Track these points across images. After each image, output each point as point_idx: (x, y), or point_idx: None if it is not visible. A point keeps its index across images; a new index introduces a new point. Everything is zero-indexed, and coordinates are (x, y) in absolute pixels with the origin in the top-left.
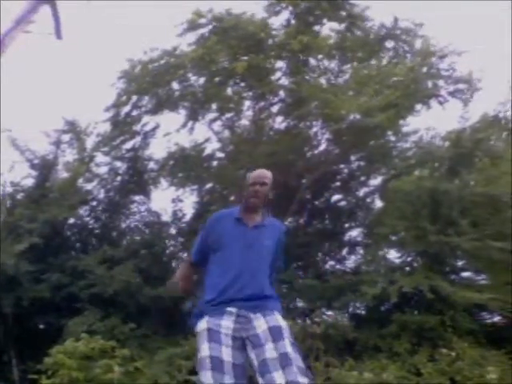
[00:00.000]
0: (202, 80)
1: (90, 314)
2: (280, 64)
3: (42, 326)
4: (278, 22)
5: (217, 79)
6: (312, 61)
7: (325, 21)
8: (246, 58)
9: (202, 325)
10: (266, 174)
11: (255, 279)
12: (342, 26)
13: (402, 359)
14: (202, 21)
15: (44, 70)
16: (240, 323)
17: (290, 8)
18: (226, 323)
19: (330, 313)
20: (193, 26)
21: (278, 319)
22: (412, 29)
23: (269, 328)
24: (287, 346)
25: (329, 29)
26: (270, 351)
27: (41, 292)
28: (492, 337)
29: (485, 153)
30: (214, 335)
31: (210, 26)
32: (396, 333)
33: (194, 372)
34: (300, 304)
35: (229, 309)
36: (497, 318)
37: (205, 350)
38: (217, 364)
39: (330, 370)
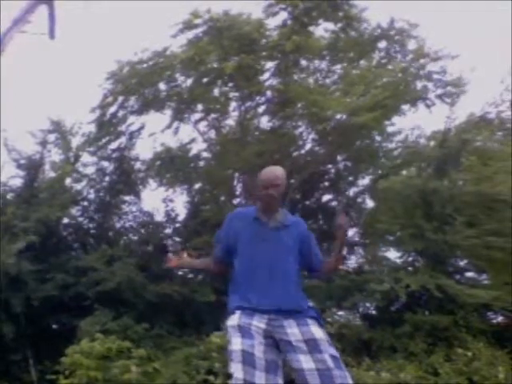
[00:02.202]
0: (190, 81)
1: (102, 314)
2: (270, 64)
3: (55, 326)
4: (275, 22)
5: (205, 80)
6: (303, 61)
7: (320, 21)
8: (236, 58)
9: (233, 321)
10: (277, 174)
11: (281, 287)
12: (337, 27)
13: (419, 359)
14: (198, 21)
15: (29, 69)
16: (272, 326)
17: (289, 9)
18: (257, 323)
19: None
20: (188, 26)
21: (313, 331)
22: (406, 29)
23: (304, 340)
24: (328, 361)
25: (323, 29)
26: (306, 362)
27: (49, 291)
28: (496, 336)
29: (473, 153)
30: (245, 332)
31: (205, 27)
32: (410, 333)
33: (212, 372)
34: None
35: (259, 313)
36: (500, 318)
37: (237, 343)
38: (248, 358)
39: (348, 369)
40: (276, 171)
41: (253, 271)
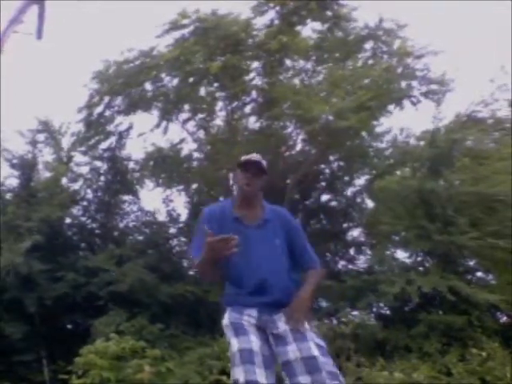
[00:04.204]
0: (175, 81)
1: (116, 314)
2: (256, 64)
3: (69, 326)
4: (262, 22)
5: (190, 79)
6: (288, 61)
7: (308, 21)
8: (222, 58)
9: (225, 320)
10: (256, 162)
11: (272, 287)
12: (325, 27)
13: (433, 359)
14: (186, 21)
15: (14, 68)
16: (261, 320)
17: (277, 8)
18: (248, 318)
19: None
20: (175, 26)
21: None
22: (394, 29)
23: (290, 330)
24: (312, 348)
25: (310, 29)
26: (293, 352)
27: (61, 290)
28: (505, 336)
29: (467, 153)
30: (239, 328)
31: (192, 27)
32: (425, 333)
33: (224, 372)
34: (323, 304)
35: (248, 308)
36: (504, 318)
37: (234, 345)
38: (247, 356)
39: (360, 369)
40: (255, 158)
41: (241, 276)
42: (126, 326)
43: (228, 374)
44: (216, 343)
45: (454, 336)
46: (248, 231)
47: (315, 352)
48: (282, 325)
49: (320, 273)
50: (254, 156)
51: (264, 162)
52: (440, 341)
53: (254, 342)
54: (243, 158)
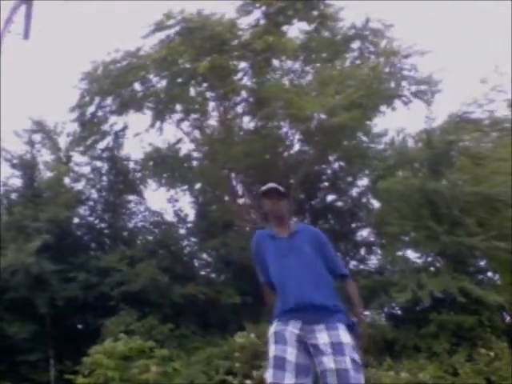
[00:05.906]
0: (164, 81)
1: (127, 314)
2: (243, 64)
3: (79, 326)
4: (248, 22)
5: (179, 80)
6: (275, 61)
7: (294, 21)
8: (208, 58)
9: (271, 330)
10: (275, 188)
11: (310, 289)
12: (312, 27)
13: (441, 359)
14: (171, 22)
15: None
16: (304, 331)
17: (263, 8)
18: (292, 329)
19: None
20: (160, 27)
21: (341, 335)
22: (380, 30)
23: (331, 343)
24: (348, 363)
25: (297, 29)
26: (328, 362)
27: (73, 291)
28: (509, 336)
29: (464, 153)
30: (280, 337)
31: (178, 27)
32: (434, 333)
33: (231, 372)
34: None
35: (293, 320)
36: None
37: (272, 351)
38: (279, 363)
39: (368, 370)
40: (273, 186)
41: (283, 283)
42: (136, 325)
43: (234, 374)
44: (225, 343)
45: (463, 336)
46: (280, 242)
47: (349, 365)
48: (321, 336)
49: (355, 285)
50: (271, 184)
51: (281, 188)
52: (449, 341)
53: (289, 351)
54: (263, 188)
